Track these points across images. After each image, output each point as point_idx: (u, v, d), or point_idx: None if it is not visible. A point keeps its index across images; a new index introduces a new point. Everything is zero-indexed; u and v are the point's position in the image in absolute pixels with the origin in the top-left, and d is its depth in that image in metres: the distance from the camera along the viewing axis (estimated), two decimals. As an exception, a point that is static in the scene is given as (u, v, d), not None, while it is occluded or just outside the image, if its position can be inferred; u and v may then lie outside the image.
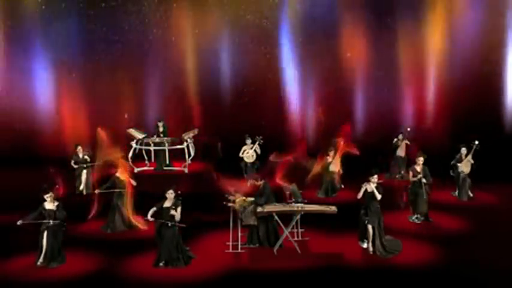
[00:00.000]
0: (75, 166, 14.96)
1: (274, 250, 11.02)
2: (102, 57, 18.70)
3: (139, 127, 17.40)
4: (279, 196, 11.59)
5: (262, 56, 18.95)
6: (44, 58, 18.81)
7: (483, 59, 18.12)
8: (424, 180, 12.34)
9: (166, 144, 16.91)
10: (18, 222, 10.33)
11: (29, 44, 18.72)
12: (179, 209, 10.34)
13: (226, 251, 11.03)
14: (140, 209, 11.52)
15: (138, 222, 11.68)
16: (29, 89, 18.94)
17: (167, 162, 17.16)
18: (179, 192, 10.53)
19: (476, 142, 13.99)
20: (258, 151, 15.65)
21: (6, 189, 15.09)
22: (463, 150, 14.18)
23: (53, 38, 18.61)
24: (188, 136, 17.00)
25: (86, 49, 18.66)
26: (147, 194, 12.02)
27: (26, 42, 18.69)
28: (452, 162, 14.29)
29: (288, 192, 11.55)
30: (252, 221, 11.01)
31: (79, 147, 15.10)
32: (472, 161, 14.02)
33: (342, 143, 14.64)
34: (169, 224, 10.28)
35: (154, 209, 10.41)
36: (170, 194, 10.42)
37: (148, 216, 10.41)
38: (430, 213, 12.61)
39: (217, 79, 19.03)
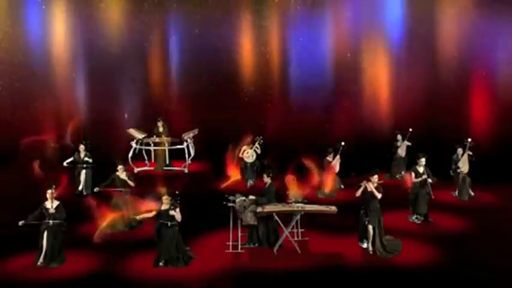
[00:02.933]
0: (65, 164, 14.69)
1: (274, 250, 11.02)
2: (102, 57, 18.69)
3: (139, 127, 17.39)
4: (280, 196, 11.58)
5: (262, 56, 18.96)
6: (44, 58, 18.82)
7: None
8: (430, 180, 12.35)
9: (167, 144, 16.92)
10: (20, 223, 10.34)
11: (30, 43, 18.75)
12: (178, 209, 10.35)
13: (226, 251, 11.03)
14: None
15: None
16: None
17: (167, 162, 17.18)
18: (177, 192, 10.54)
19: (469, 140, 14.01)
20: (258, 151, 15.64)
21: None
22: (459, 150, 14.20)
23: (52, 38, 18.64)
24: (188, 136, 17.01)
25: (86, 49, 18.64)
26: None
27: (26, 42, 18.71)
28: (452, 166, 14.30)
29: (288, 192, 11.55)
30: (252, 221, 11.01)
31: (82, 146, 14.88)
32: (470, 154, 14.02)
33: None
34: (169, 224, 10.30)
35: (154, 212, 10.44)
36: (165, 200, 10.42)
37: (144, 215, 10.47)
38: (430, 213, 12.61)
39: (218, 79, 19.01)
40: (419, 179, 12.44)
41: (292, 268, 10.27)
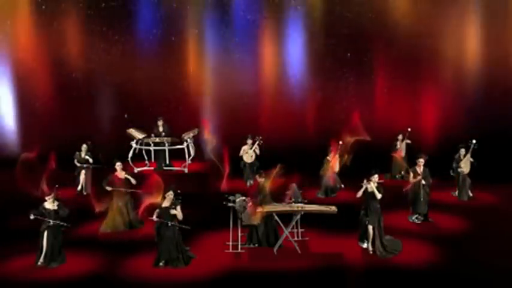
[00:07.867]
0: (78, 164, 14.73)
1: (274, 250, 11.02)
2: (102, 57, 18.69)
3: (140, 128, 17.37)
4: (279, 196, 11.58)
5: (262, 56, 18.98)
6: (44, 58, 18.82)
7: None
8: (423, 182, 12.34)
9: (167, 144, 16.94)
10: (31, 216, 10.29)
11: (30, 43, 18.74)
12: (179, 207, 10.35)
13: (226, 251, 11.04)
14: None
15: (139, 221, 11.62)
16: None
17: (167, 162, 17.19)
18: (178, 191, 10.53)
19: (474, 141, 14.00)
20: (258, 151, 15.64)
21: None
22: (462, 150, 14.19)
23: (53, 39, 18.64)
24: (188, 136, 17.02)
25: (86, 49, 18.65)
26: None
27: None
28: (453, 165, 14.29)
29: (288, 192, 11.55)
30: (252, 221, 11.01)
31: (84, 146, 14.82)
32: (472, 160, 14.01)
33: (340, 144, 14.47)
34: (170, 224, 10.29)
35: (157, 210, 10.42)
36: (169, 195, 10.41)
37: (154, 217, 10.40)
38: (430, 213, 12.61)
39: (218, 79, 19.01)
40: (415, 180, 12.43)
41: (292, 268, 10.27)
